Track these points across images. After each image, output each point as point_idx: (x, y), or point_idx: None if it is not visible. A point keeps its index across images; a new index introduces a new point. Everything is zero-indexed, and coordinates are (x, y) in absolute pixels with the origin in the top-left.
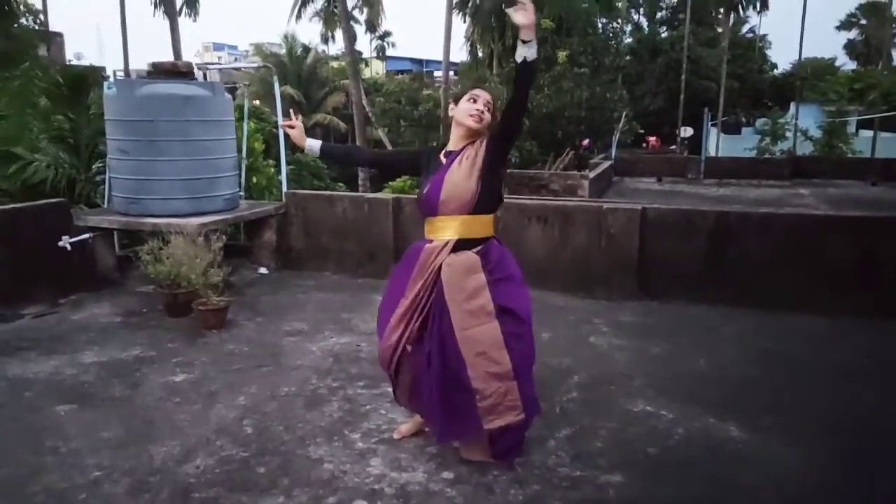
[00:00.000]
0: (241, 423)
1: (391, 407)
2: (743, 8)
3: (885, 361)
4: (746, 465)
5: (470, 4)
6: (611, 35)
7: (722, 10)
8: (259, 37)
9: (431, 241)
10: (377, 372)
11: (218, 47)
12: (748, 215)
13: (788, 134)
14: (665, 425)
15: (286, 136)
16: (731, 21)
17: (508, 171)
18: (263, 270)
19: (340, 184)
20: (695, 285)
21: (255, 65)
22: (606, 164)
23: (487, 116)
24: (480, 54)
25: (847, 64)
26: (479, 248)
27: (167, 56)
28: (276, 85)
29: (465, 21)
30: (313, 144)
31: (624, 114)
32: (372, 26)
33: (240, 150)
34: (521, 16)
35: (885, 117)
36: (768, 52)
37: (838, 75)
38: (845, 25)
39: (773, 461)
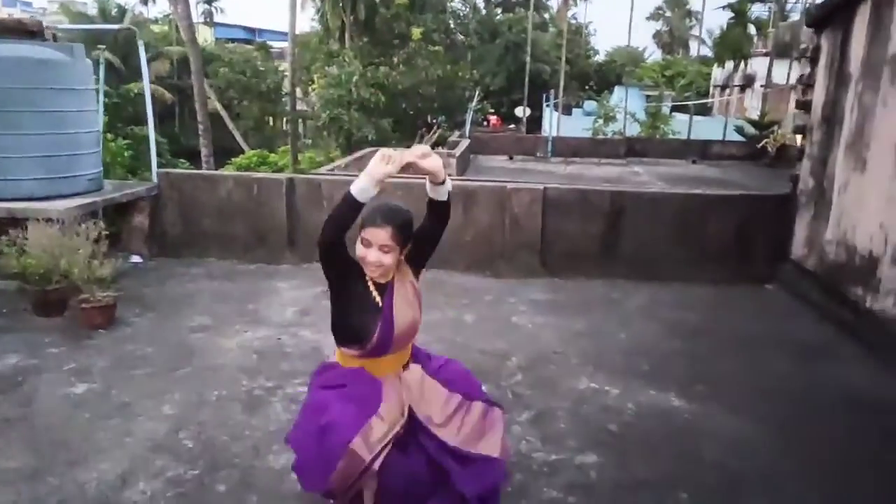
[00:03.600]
0: (178, 436)
1: None
2: None
3: (776, 328)
4: (702, 436)
5: None
6: (460, 14)
7: None
8: None
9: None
10: (311, 366)
11: (8, 3)
12: (640, 195)
13: (619, 116)
14: (614, 401)
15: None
16: (567, 7)
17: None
18: (137, 259)
19: (182, 160)
20: (592, 261)
21: (118, 27)
22: (465, 142)
23: (389, 259)
24: (331, 26)
25: (655, 52)
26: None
27: None
28: (142, 49)
29: None
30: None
31: (477, 92)
32: None
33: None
34: (429, 162)
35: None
36: (592, 38)
37: (650, 63)
38: (653, 17)
39: (724, 432)
